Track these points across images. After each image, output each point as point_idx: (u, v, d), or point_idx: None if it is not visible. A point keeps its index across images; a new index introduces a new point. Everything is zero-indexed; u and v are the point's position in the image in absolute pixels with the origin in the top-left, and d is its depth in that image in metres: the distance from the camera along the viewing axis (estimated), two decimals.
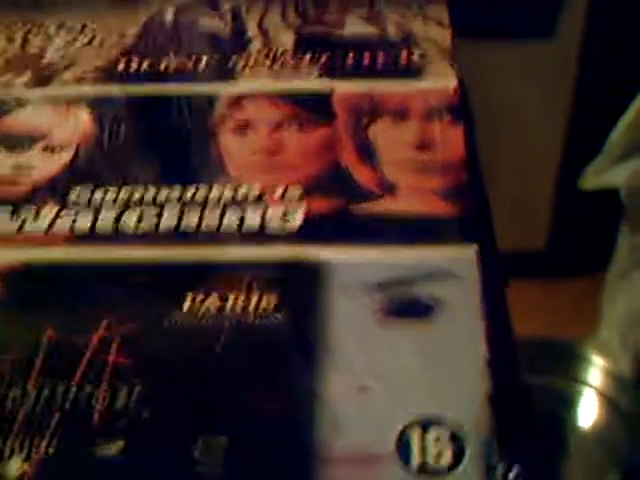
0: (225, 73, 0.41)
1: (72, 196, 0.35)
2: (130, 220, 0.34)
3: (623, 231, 0.83)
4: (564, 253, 1.10)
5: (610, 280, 0.86)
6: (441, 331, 0.29)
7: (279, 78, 0.40)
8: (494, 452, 0.25)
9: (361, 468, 0.25)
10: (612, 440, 0.76)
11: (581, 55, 0.95)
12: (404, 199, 0.34)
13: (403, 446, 0.26)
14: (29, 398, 0.27)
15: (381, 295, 0.30)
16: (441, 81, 0.40)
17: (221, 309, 0.30)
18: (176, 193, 0.35)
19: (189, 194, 0.34)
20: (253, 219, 0.33)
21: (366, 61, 0.41)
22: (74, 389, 0.27)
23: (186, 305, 0.30)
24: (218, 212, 0.34)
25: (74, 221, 0.34)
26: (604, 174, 0.79)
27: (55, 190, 0.35)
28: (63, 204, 0.34)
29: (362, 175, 0.35)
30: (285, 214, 0.33)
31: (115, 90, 0.40)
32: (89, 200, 0.35)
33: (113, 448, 0.26)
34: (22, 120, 0.39)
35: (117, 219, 0.34)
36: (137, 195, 0.35)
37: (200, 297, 0.30)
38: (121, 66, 0.42)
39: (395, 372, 0.28)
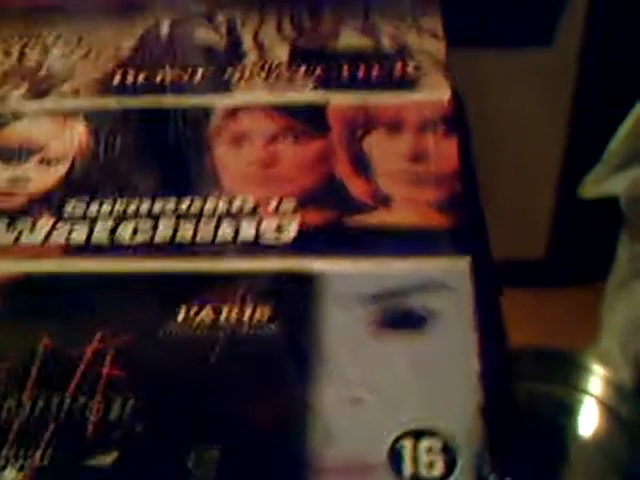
0: (220, 85, 0.41)
1: (68, 208, 0.35)
2: (125, 232, 0.34)
3: (623, 240, 0.83)
4: (564, 262, 1.09)
5: (610, 289, 0.86)
6: (434, 343, 0.29)
7: (274, 90, 0.40)
8: (486, 463, 0.25)
9: (353, 478, 0.25)
10: (612, 449, 0.76)
11: (580, 63, 0.95)
12: (398, 211, 0.34)
13: (395, 456, 0.26)
14: (24, 409, 0.27)
15: (375, 306, 0.30)
16: (435, 93, 0.40)
17: (216, 320, 0.30)
18: (171, 205, 0.35)
19: (184, 206, 0.35)
20: (248, 231, 0.33)
21: (361, 73, 0.41)
22: (68, 400, 0.28)
23: (181, 316, 0.30)
24: (213, 224, 0.34)
25: (70, 233, 0.34)
26: (603, 183, 0.79)
27: (51, 202, 0.35)
28: (59, 216, 0.35)
29: (356, 187, 0.35)
30: (279, 226, 0.33)
31: (111, 103, 0.41)
32: (85, 212, 0.35)
33: (107, 459, 0.26)
34: (19, 133, 0.39)
35: (112, 231, 0.34)
36: (132, 207, 0.35)
37: (195, 308, 0.30)
38: (117, 79, 0.42)
39: (388, 383, 0.28)
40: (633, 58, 0.92)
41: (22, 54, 0.44)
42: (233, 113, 0.39)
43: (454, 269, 0.31)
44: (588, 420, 0.79)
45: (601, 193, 0.80)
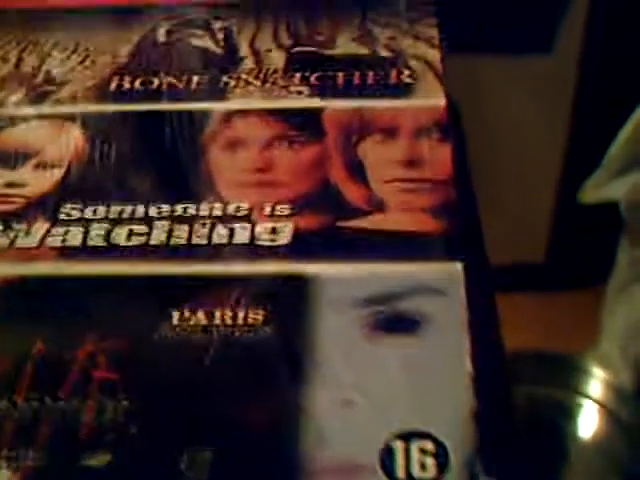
0: (217, 92, 0.41)
1: (63, 212, 0.35)
2: (120, 236, 0.34)
3: (623, 244, 0.83)
4: (564, 266, 1.09)
5: (610, 293, 0.86)
6: (427, 346, 0.29)
7: (270, 96, 0.41)
8: (478, 467, 0.26)
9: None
10: (612, 451, 0.76)
11: (580, 70, 0.95)
12: (392, 216, 0.34)
13: (387, 458, 0.26)
14: (17, 410, 0.28)
15: (368, 310, 0.30)
16: (430, 99, 0.40)
17: (210, 323, 0.30)
18: (166, 210, 0.35)
19: (179, 211, 0.35)
20: (242, 234, 0.33)
21: (356, 80, 0.41)
22: (62, 402, 0.28)
23: (175, 319, 0.30)
24: (207, 228, 0.34)
25: (65, 236, 0.34)
26: (603, 188, 0.80)
27: (47, 206, 0.36)
28: (54, 220, 0.35)
29: (351, 192, 0.35)
30: (274, 229, 0.34)
31: (108, 108, 0.41)
32: (80, 216, 0.35)
33: (100, 460, 0.26)
34: (15, 137, 0.40)
35: (108, 234, 0.34)
36: (128, 211, 0.35)
37: (189, 311, 0.31)
38: (114, 85, 0.42)
39: (381, 387, 0.28)
40: (633, 65, 0.92)
41: (20, 60, 0.44)
42: (228, 118, 0.39)
43: (448, 274, 0.31)
44: (588, 423, 0.79)
45: (601, 198, 0.80)
